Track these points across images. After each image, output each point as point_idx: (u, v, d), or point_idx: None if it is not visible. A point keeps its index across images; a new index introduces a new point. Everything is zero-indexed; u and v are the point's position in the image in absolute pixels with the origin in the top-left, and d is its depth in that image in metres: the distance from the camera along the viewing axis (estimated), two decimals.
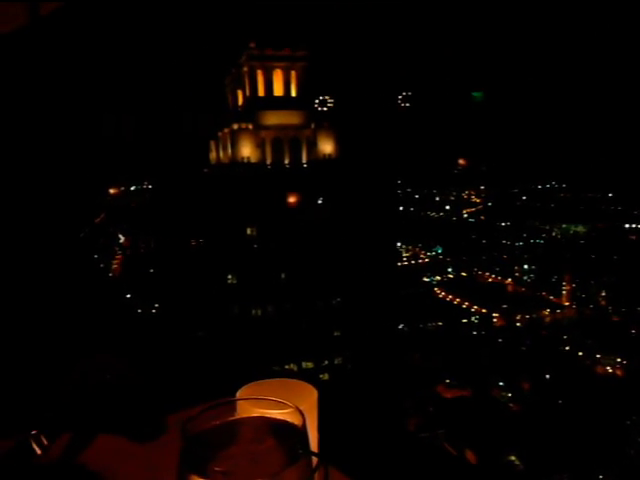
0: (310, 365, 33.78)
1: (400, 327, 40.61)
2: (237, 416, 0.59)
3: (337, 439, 0.90)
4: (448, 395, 34.46)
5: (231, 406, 0.60)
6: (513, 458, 29.16)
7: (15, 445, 0.83)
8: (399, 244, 49.33)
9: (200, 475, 0.51)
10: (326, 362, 34.18)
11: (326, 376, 32.93)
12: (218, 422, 0.57)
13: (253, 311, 34.32)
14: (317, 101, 43.26)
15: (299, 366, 33.00)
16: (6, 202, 1.75)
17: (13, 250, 1.71)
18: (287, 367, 30.86)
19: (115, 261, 36.66)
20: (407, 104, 53.21)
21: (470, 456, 27.12)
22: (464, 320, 44.13)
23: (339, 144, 36.93)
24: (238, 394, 0.77)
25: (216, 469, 0.51)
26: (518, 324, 43.38)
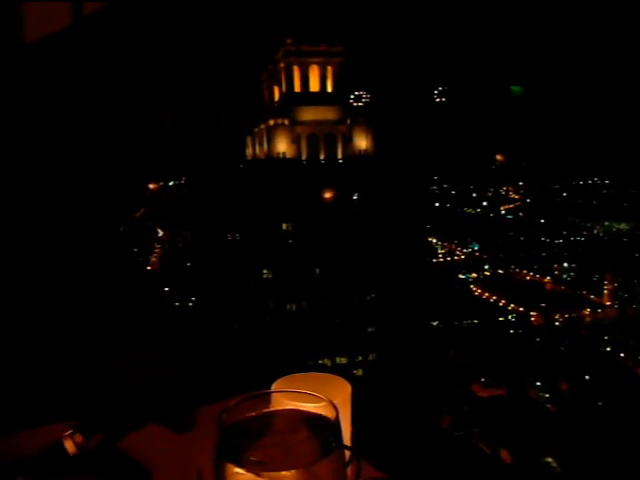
0: (344, 360, 33.81)
1: (435, 324, 40.24)
2: (272, 408, 0.61)
3: (370, 434, 0.91)
4: (483, 394, 33.99)
5: (266, 398, 0.62)
6: (550, 460, 28.60)
7: (51, 446, 0.86)
8: (434, 240, 48.83)
9: (236, 464, 0.52)
10: (360, 358, 34.15)
11: (360, 372, 32.90)
12: (253, 413, 0.59)
13: (288, 306, 34.54)
14: (353, 96, 43.11)
15: (333, 361, 33.06)
16: (53, 197, 1.81)
17: (57, 243, 1.77)
18: (321, 362, 30.95)
19: (154, 255, 37.41)
20: (443, 99, 52.53)
21: (505, 456, 26.71)
22: (500, 318, 43.42)
23: (374, 140, 36.74)
24: (273, 387, 0.79)
25: (251, 458, 0.52)
26: (557, 323, 42.43)
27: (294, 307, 34.70)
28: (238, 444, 0.54)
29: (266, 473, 0.50)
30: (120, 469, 0.84)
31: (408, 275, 32.85)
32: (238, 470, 0.52)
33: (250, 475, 0.51)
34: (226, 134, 40.32)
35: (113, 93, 2.18)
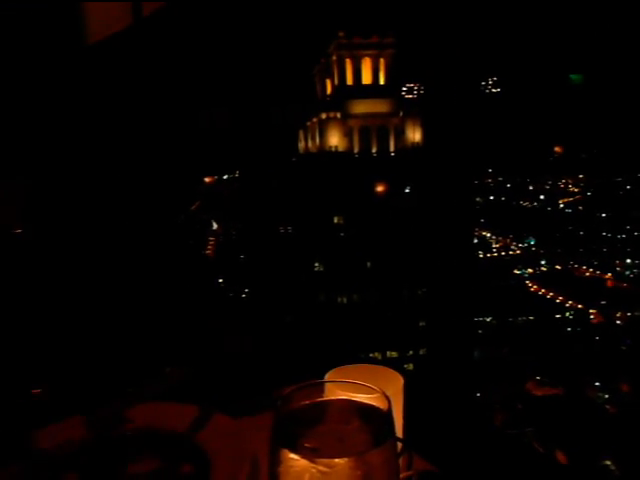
0: (394, 354, 33.66)
1: (488, 320, 39.43)
2: (325, 398, 0.63)
3: (422, 428, 0.92)
4: (538, 392, 33.10)
5: (319, 388, 0.63)
6: (609, 463, 27.59)
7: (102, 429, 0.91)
8: (488, 235, 47.76)
9: (291, 450, 0.53)
10: (411, 352, 33.89)
11: (410, 366, 32.66)
12: (308, 402, 0.61)
13: (339, 298, 34.63)
14: (405, 89, 42.59)
15: (383, 355, 32.96)
16: (116, 193, 1.89)
17: (118, 235, 1.85)
18: (371, 355, 30.93)
19: (209, 247, 38.26)
20: (498, 89, 51.13)
21: (561, 457, 25.96)
22: (557, 315, 42.08)
23: (424, 132, 36.20)
24: (326, 377, 0.80)
25: (306, 445, 0.54)
26: (618, 322, 40.75)
27: (345, 300, 34.75)
28: (293, 431, 0.56)
29: (320, 460, 0.52)
30: (178, 450, 0.88)
31: (457, 269, 32.30)
32: (293, 456, 0.53)
33: (304, 461, 0.52)
34: (279, 128, 40.69)
35: (171, 91, 2.25)
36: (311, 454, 0.52)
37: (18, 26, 1.77)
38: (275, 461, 0.55)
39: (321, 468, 0.52)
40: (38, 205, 1.67)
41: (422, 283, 34.09)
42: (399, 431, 0.79)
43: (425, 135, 36.03)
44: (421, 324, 34.12)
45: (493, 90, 51.42)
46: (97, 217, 1.78)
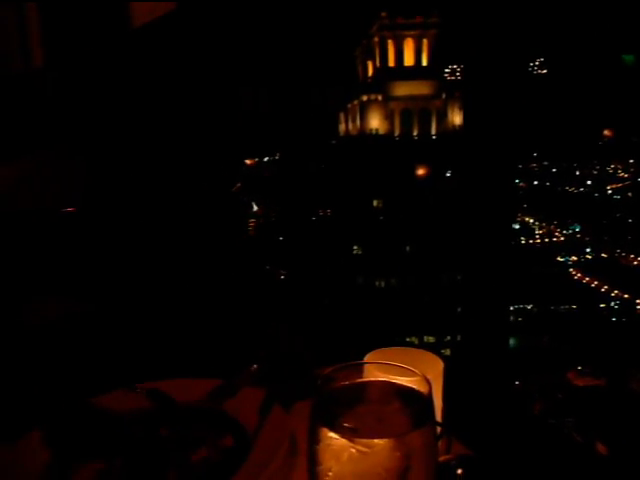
0: (432, 339, 33.48)
1: (529, 307, 38.72)
2: (365, 379, 0.63)
3: (461, 413, 0.91)
4: (579, 383, 32.40)
5: (359, 369, 0.64)
6: None
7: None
8: (531, 221, 46.69)
9: (330, 428, 0.54)
10: (448, 338, 33.63)
11: (448, 351, 32.43)
12: (347, 383, 0.62)
13: (377, 282, 34.57)
14: (448, 70, 41.70)
15: (420, 340, 32.84)
16: (159, 173, 1.93)
17: (163, 218, 1.89)
18: (408, 340, 30.85)
19: (249, 229, 38.63)
20: (544, 70, 49.49)
21: (601, 448, 25.47)
22: (602, 305, 40.96)
23: (464, 114, 35.45)
24: (365, 359, 0.81)
25: (345, 425, 0.54)
26: None
27: (383, 284, 34.66)
28: (333, 410, 0.57)
29: (359, 440, 0.53)
30: (220, 426, 0.90)
31: (494, 256, 31.72)
32: (332, 435, 0.54)
33: (343, 440, 0.53)
34: (319, 110, 40.54)
35: (214, 74, 2.27)
36: (350, 434, 0.53)
37: (72, 11, 1.82)
38: (314, 439, 0.56)
39: (360, 448, 0.52)
40: (96, 185, 1.72)
41: (461, 268, 33.68)
42: (438, 415, 0.79)
43: (465, 117, 35.28)
44: (459, 309, 33.78)
45: (540, 71, 49.82)
46: (149, 199, 1.82)
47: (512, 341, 34.84)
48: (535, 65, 49.20)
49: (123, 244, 1.63)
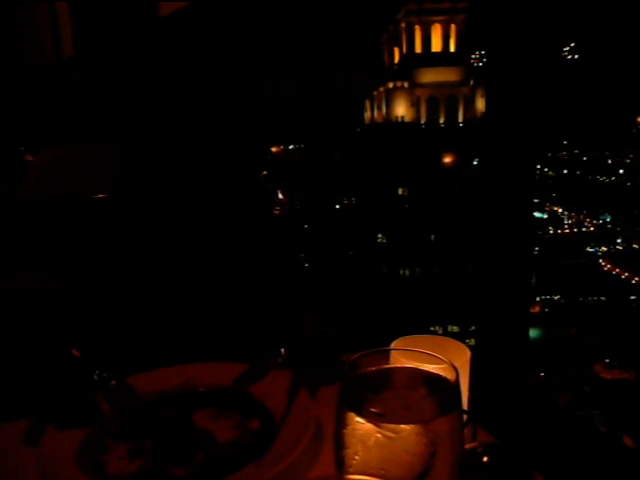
0: (456, 329, 33.29)
1: (556, 298, 38.17)
2: (391, 365, 0.63)
3: (486, 402, 0.91)
4: (607, 376, 31.91)
5: (386, 356, 0.64)
6: None
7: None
8: (560, 210, 45.87)
9: (357, 413, 0.55)
10: (473, 327, 33.39)
11: (472, 341, 32.22)
12: (374, 368, 0.62)
13: (401, 271, 34.43)
14: (477, 56, 40.99)
15: (444, 329, 32.68)
16: (187, 161, 1.95)
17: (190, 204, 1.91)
18: (431, 329, 30.68)
19: (274, 216, 38.65)
20: (576, 56, 48.27)
21: (628, 441, 25.10)
22: (632, 297, 40.14)
23: (487, 100, 34.79)
24: (392, 346, 0.81)
25: (371, 410, 0.54)
26: None
27: (407, 272, 34.52)
28: (360, 396, 0.57)
29: (386, 425, 0.52)
30: (248, 410, 0.91)
31: (512, 247, 31.22)
32: (359, 419, 0.54)
33: (370, 425, 0.53)
34: (345, 98, 40.31)
35: (239, 61, 2.27)
36: (377, 419, 0.53)
37: (101, 2, 1.85)
38: (341, 423, 0.57)
39: (387, 433, 0.52)
40: (130, 171, 1.75)
41: (486, 258, 33.29)
42: (464, 403, 0.79)
43: (487, 102, 34.64)
44: (479, 299, 33.44)
45: (571, 57, 48.63)
46: (178, 186, 1.85)
47: (539, 332, 34.48)
48: (566, 50, 48.04)
49: (153, 229, 1.66)
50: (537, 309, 36.32)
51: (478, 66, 40.87)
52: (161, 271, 1.61)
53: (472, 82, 35.79)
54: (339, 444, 0.56)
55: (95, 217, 1.59)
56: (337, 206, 38.92)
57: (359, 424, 0.54)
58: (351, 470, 0.55)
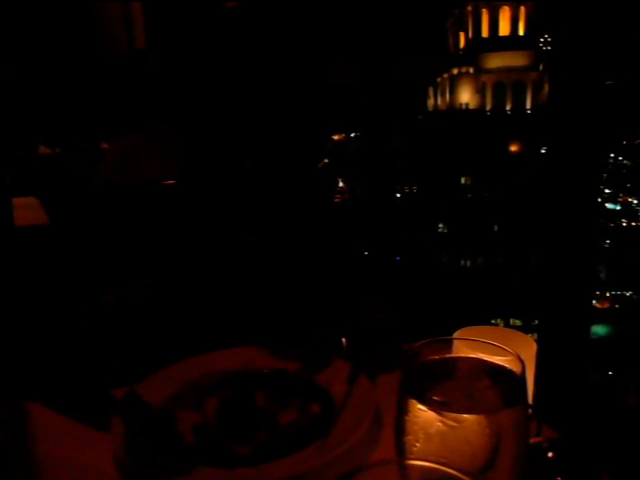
0: (518, 322, 32.42)
1: (628, 294, 36.43)
2: (455, 355, 0.63)
3: (551, 397, 0.89)
4: None
5: (448, 345, 0.63)
6: None
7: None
8: (635, 202, 43.58)
9: (419, 401, 0.54)
10: (536, 322, 32.40)
11: (534, 336, 31.27)
12: (437, 357, 0.61)
13: (462, 261, 33.79)
14: (545, 40, 39.32)
15: (506, 322, 31.88)
16: (249, 149, 1.98)
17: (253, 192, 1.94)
18: (493, 321, 30.01)
19: (335, 205, 38.75)
20: None
21: None
22: None
23: (550, 84, 33.30)
24: (455, 336, 0.80)
25: (434, 398, 0.54)
26: None
27: (469, 263, 33.83)
28: (422, 383, 0.57)
29: (448, 413, 0.52)
30: (309, 394, 0.93)
31: (577, 239, 29.92)
32: (421, 407, 0.54)
33: (431, 413, 0.53)
34: (408, 85, 39.68)
35: (304, 49, 2.28)
36: (439, 407, 0.52)
37: None
38: (403, 410, 0.56)
39: (449, 422, 0.52)
40: (192, 159, 1.80)
41: (550, 250, 32.17)
42: (530, 397, 0.77)
43: (551, 88, 33.21)
44: (541, 292, 32.37)
45: None
46: (238, 174, 1.88)
47: (608, 329, 33.06)
48: None
49: (214, 217, 1.70)
50: (607, 305, 34.81)
51: (548, 50, 39.18)
52: (224, 258, 1.65)
53: (542, 67, 34.40)
54: (400, 430, 0.56)
55: (164, 203, 1.64)
56: (398, 195, 38.51)
57: (421, 411, 0.53)
58: (412, 457, 0.54)
